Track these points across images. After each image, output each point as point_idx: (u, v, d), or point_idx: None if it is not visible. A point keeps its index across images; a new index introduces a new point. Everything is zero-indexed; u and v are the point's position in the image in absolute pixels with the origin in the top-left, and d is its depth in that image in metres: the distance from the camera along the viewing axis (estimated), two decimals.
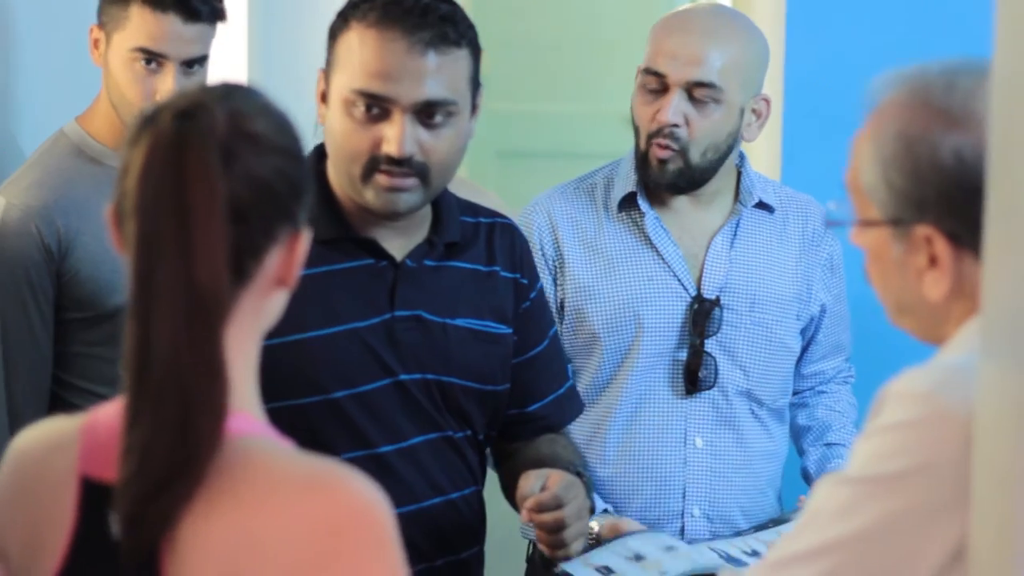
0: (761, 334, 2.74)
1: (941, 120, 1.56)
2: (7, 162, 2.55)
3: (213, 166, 1.50)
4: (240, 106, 1.56)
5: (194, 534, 1.48)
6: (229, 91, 1.58)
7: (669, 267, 2.72)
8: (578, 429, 2.74)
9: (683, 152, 2.64)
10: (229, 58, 4.28)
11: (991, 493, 1.33)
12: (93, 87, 2.68)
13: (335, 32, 2.24)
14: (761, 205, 2.78)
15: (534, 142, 7.10)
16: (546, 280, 2.72)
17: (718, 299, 2.70)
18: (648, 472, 2.72)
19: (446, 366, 2.28)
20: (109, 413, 1.57)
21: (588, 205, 2.78)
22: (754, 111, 2.71)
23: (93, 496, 1.54)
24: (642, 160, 2.68)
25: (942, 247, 1.59)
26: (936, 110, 1.57)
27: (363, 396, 2.24)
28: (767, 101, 2.72)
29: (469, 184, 3.66)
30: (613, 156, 2.84)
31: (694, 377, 2.68)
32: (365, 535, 1.48)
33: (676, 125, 2.63)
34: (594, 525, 2.60)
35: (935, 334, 1.65)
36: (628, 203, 2.75)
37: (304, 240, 1.60)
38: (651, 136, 2.66)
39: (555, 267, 2.75)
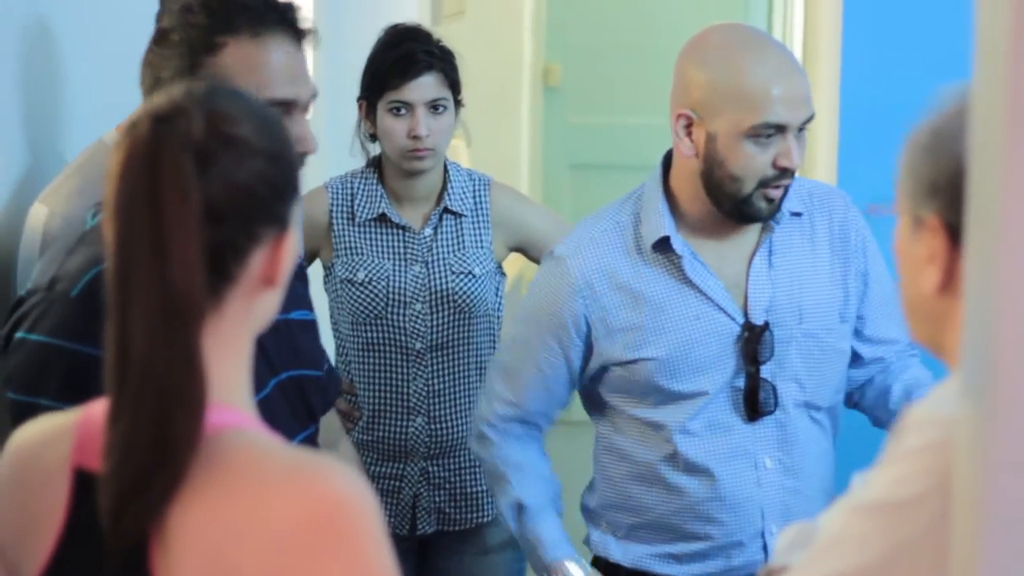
0: (813, 345, 2.73)
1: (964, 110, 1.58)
2: (50, 171, 2.60)
3: (187, 170, 1.53)
4: (221, 109, 1.58)
5: (181, 524, 1.52)
6: (211, 94, 1.60)
7: (713, 302, 2.70)
8: (645, 463, 2.77)
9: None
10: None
11: (964, 528, 1.37)
12: (133, 96, 2.75)
13: None
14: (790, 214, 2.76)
15: (607, 155, 7.12)
16: (568, 341, 2.75)
17: (767, 324, 2.69)
18: (726, 500, 2.72)
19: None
20: (104, 407, 1.59)
21: (619, 248, 2.73)
22: None
23: (85, 487, 1.58)
24: (744, 204, 2.64)
25: (940, 238, 1.61)
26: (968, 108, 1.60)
27: None
28: None
29: (519, 195, 3.71)
30: None
31: (754, 403, 2.69)
32: (349, 527, 1.50)
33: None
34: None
35: (937, 340, 1.67)
36: (662, 245, 2.70)
37: (290, 240, 1.62)
38: (765, 182, 2.63)
39: (589, 325, 2.73)
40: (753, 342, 2.68)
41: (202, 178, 1.54)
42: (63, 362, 2.04)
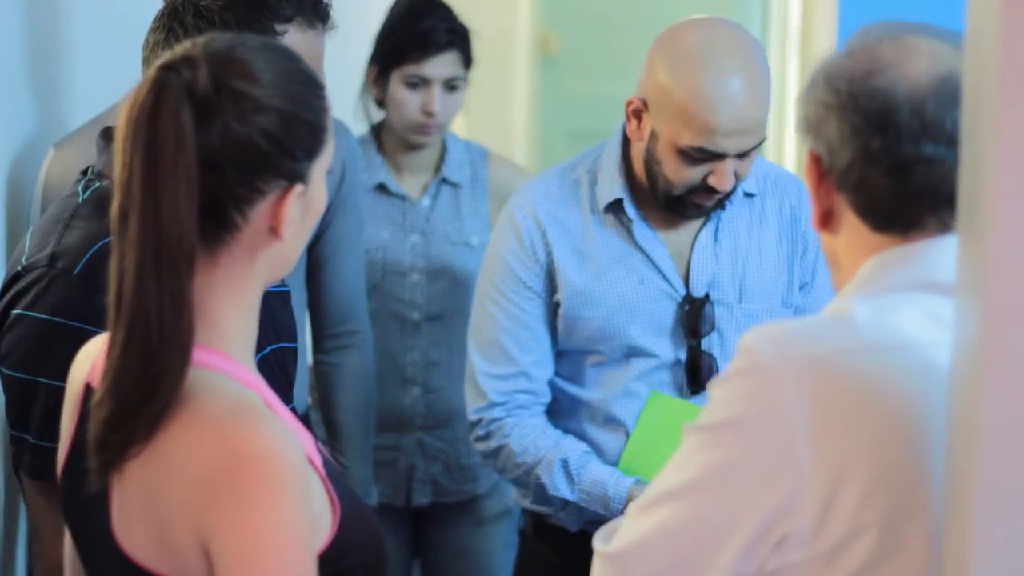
0: (752, 325, 2.61)
1: (837, 55, 1.66)
2: (55, 137, 2.59)
3: (183, 119, 1.58)
4: (233, 62, 1.62)
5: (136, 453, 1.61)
6: (229, 46, 1.64)
7: (658, 269, 2.71)
8: (572, 412, 2.77)
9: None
10: None
11: (962, 435, 1.40)
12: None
13: None
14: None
15: (605, 124, 7.07)
16: (540, 283, 2.72)
17: (707, 296, 2.70)
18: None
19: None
20: None
21: (573, 205, 2.74)
22: None
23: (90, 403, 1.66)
24: (673, 201, 2.65)
25: (812, 172, 1.67)
26: (846, 51, 1.66)
27: None
28: None
29: (516, 166, 3.71)
30: None
31: (697, 376, 2.70)
32: (260, 478, 1.55)
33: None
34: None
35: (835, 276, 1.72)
36: (614, 206, 2.72)
37: (294, 194, 1.65)
38: (695, 190, 2.63)
39: (549, 270, 2.73)
40: (694, 315, 2.70)
41: (200, 128, 1.59)
42: (65, 340, 2.03)
